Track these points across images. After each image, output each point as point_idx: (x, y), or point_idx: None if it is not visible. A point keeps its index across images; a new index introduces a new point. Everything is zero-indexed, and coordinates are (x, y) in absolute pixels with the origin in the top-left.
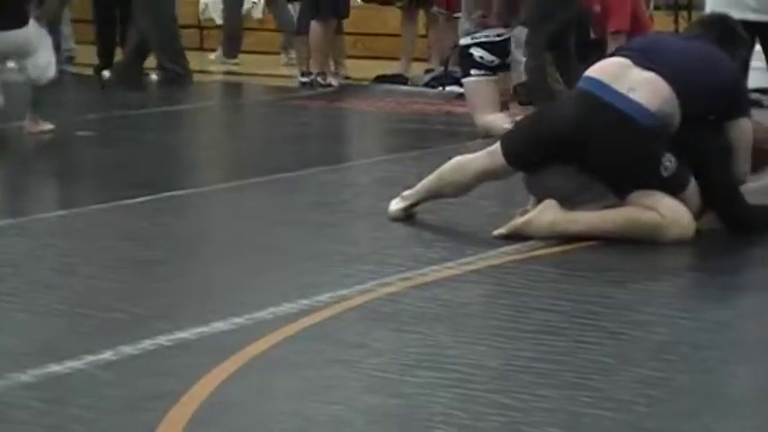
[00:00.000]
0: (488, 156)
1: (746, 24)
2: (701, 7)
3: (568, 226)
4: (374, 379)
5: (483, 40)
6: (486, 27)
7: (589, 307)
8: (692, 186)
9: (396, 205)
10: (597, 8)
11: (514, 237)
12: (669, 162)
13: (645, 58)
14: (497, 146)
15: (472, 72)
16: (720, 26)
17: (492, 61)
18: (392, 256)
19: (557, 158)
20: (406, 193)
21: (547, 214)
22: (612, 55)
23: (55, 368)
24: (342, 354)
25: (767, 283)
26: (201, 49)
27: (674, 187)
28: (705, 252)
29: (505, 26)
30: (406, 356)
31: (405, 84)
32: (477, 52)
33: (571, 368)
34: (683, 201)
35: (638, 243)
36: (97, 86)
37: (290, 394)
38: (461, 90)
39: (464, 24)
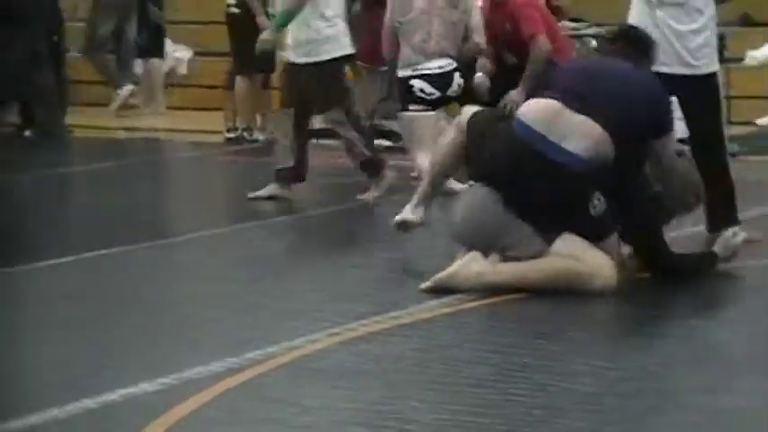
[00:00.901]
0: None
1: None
2: None
3: (495, 278)
4: None
5: (424, 72)
6: (426, 54)
7: (518, 359)
8: (614, 236)
9: (413, 213)
10: (507, 26)
11: (441, 290)
12: (598, 201)
13: (575, 100)
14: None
15: (410, 107)
16: (633, 38)
17: (431, 94)
18: (321, 311)
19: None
20: (416, 199)
21: (473, 266)
22: (543, 93)
23: None
24: (272, 412)
25: (691, 332)
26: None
27: (600, 229)
28: (629, 301)
29: (448, 56)
30: (337, 413)
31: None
32: (417, 84)
33: (502, 421)
34: (605, 249)
35: (564, 293)
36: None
37: None
38: (388, 143)
39: (404, 52)
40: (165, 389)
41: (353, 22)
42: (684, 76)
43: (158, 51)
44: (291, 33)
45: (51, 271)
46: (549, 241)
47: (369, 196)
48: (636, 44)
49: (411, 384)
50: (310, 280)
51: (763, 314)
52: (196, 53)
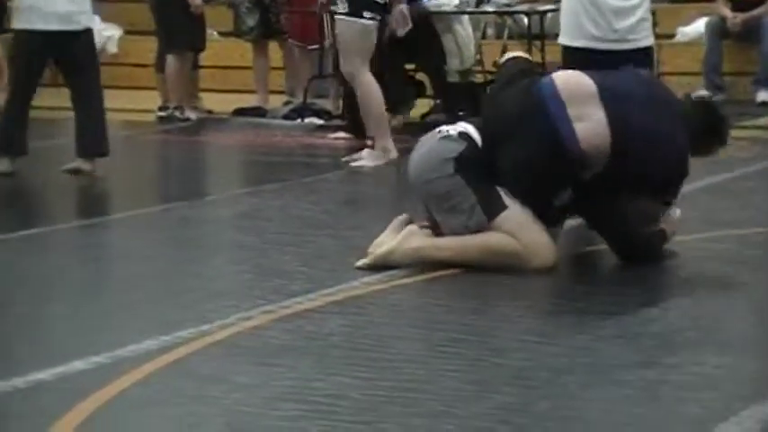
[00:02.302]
0: None
1: (594, 52)
2: (555, 36)
3: (433, 253)
4: (237, 414)
5: None
6: None
7: (449, 335)
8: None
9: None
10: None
11: (378, 266)
12: (566, 195)
13: (612, 102)
14: None
15: (365, 14)
16: (708, 125)
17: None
18: (254, 289)
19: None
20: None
21: (412, 241)
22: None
23: None
24: (204, 390)
25: (623, 308)
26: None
27: (551, 219)
28: (562, 278)
29: None
30: (269, 390)
31: (263, 116)
32: None
33: (434, 396)
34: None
35: (499, 271)
36: None
37: None
38: (320, 122)
39: None
40: (97, 368)
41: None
42: (620, 51)
43: None
44: None
45: None
46: (492, 214)
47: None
48: (705, 131)
49: (343, 361)
50: (243, 259)
51: (693, 289)
52: (126, 32)
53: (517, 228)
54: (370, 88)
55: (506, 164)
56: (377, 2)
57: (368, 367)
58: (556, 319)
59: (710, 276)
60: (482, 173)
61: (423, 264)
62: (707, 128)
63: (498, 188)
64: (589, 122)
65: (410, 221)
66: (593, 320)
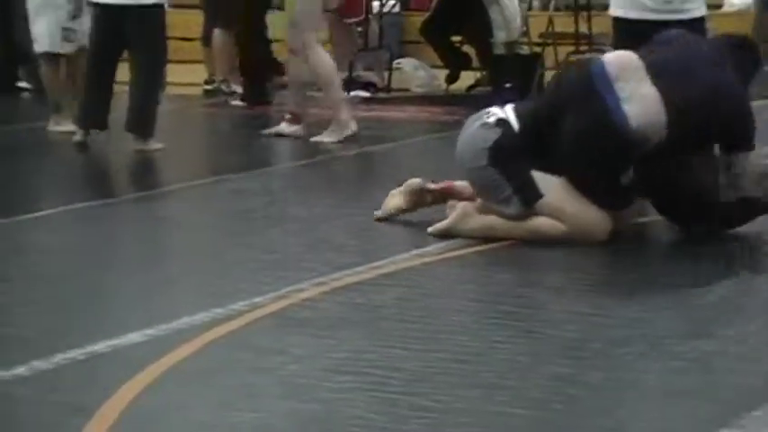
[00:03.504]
0: None
1: (647, 23)
2: (602, 7)
3: (487, 233)
4: (293, 385)
5: None
6: None
7: (501, 307)
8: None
9: None
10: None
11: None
12: (630, 174)
13: (661, 75)
14: None
15: None
16: (752, 59)
17: None
18: (306, 262)
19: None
20: None
21: (467, 221)
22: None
23: None
24: (259, 361)
25: (674, 279)
26: None
27: (623, 200)
28: (615, 251)
29: None
30: (323, 362)
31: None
32: None
33: (487, 368)
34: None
35: (551, 244)
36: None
37: (208, 404)
38: (367, 94)
39: None
40: (152, 340)
41: None
42: (674, 22)
43: None
44: None
45: (32, 225)
46: (530, 202)
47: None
48: (751, 64)
49: (395, 333)
50: (295, 231)
51: (743, 261)
52: (172, 5)
53: (558, 212)
54: (323, 60)
55: (565, 144)
56: None
57: (420, 339)
58: (609, 290)
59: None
60: (518, 160)
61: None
62: (744, 63)
63: (535, 174)
64: (641, 101)
65: (422, 186)
66: (646, 291)
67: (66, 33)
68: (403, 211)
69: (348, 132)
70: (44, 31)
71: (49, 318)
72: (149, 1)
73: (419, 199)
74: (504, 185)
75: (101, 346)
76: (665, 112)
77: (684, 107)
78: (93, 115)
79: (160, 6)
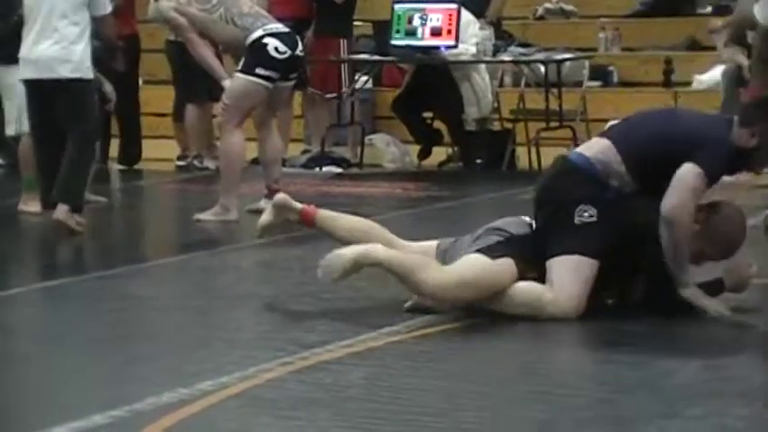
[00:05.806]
0: None
1: None
2: (572, 84)
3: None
4: None
5: (274, 30)
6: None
7: (468, 386)
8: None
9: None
10: None
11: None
12: (587, 212)
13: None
14: None
15: (257, 70)
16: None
17: (284, 52)
18: (273, 341)
19: None
20: None
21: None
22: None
23: None
24: None
25: (645, 358)
26: None
27: (582, 241)
28: (584, 328)
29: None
30: None
31: (282, 165)
32: (271, 42)
33: None
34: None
35: (518, 320)
36: None
37: None
38: (338, 170)
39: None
40: (117, 422)
41: (306, 50)
42: None
43: None
44: None
45: None
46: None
47: None
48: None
49: (362, 414)
50: (262, 309)
51: (715, 341)
52: (144, 81)
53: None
54: (234, 144)
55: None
56: (275, 57)
57: (386, 420)
58: (576, 370)
59: (733, 325)
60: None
61: (447, 311)
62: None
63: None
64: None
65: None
66: (615, 371)
67: None
68: (273, 225)
69: (229, 218)
70: (13, 115)
71: (9, 399)
72: (72, 75)
73: (286, 214)
74: None
75: (63, 429)
76: (614, 147)
77: (638, 144)
78: (50, 193)
79: (84, 81)
